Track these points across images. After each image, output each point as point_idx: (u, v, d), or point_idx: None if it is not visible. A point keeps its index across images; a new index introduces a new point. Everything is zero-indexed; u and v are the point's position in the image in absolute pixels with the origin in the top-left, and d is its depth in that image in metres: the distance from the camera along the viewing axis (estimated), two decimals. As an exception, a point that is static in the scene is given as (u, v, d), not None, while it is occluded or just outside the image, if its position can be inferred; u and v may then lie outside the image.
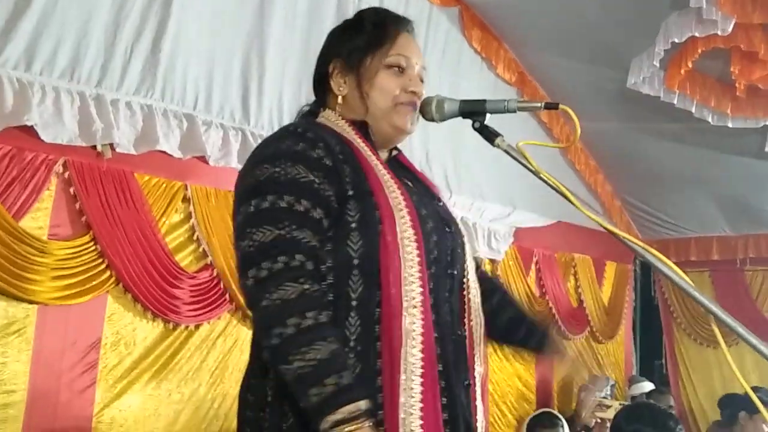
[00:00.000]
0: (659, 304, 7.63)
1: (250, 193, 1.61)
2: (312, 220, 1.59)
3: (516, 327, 2.10)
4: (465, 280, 1.83)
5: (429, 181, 1.97)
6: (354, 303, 1.59)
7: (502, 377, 5.81)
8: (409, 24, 1.92)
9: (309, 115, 1.90)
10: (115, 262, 3.42)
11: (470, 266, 1.87)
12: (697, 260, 7.03)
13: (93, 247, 3.39)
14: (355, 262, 1.61)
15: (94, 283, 3.39)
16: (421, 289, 1.62)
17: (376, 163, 1.75)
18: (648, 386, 6.76)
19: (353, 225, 1.63)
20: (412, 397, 1.54)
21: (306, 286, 1.51)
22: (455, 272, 1.79)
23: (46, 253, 3.21)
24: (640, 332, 7.84)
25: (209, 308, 3.83)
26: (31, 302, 3.19)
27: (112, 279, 3.46)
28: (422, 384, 1.56)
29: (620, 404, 5.69)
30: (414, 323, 1.58)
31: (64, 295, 3.28)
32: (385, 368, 1.56)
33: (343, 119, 1.82)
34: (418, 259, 1.64)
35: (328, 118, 1.84)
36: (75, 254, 3.33)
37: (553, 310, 6.28)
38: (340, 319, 1.57)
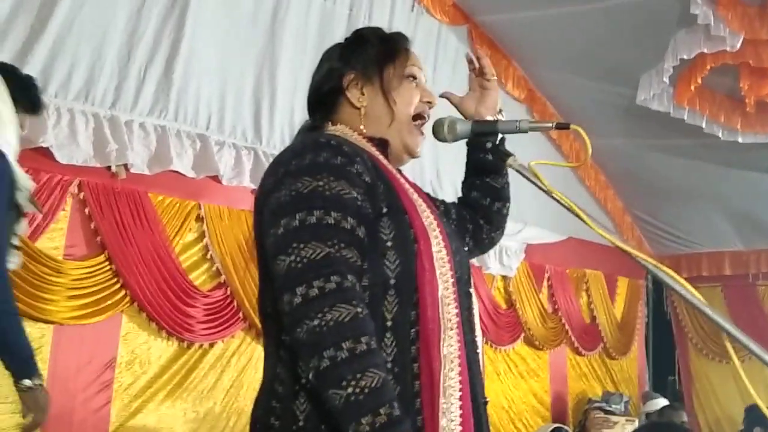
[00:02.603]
0: (672, 319, 7.60)
1: (293, 206, 1.52)
2: (357, 239, 1.53)
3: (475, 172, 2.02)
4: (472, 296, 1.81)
5: (425, 196, 1.89)
6: (389, 324, 1.55)
7: (517, 394, 5.81)
8: (410, 41, 1.89)
9: (313, 130, 1.80)
10: (130, 282, 3.46)
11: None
12: (708, 275, 7.02)
13: (108, 267, 3.43)
14: (392, 281, 1.56)
15: (109, 302, 3.42)
16: (456, 311, 1.60)
17: (404, 181, 1.73)
18: (662, 402, 6.71)
19: (389, 243, 1.58)
20: (452, 420, 1.53)
21: (359, 309, 1.45)
22: (470, 290, 1.77)
23: (61, 273, 3.25)
24: (653, 348, 7.81)
25: (223, 327, 3.85)
26: (47, 322, 3.23)
27: (127, 298, 3.49)
28: (461, 407, 1.55)
29: (626, 420, 5.66)
30: (452, 345, 1.57)
31: (80, 314, 3.32)
32: (424, 390, 1.53)
33: (359, 135, 1.76)
34: (452, 280, 1.62)
35: (344, 132, 1.77)
36: (90, 274, 3.37)
37: (566, 326, 6.28)
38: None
